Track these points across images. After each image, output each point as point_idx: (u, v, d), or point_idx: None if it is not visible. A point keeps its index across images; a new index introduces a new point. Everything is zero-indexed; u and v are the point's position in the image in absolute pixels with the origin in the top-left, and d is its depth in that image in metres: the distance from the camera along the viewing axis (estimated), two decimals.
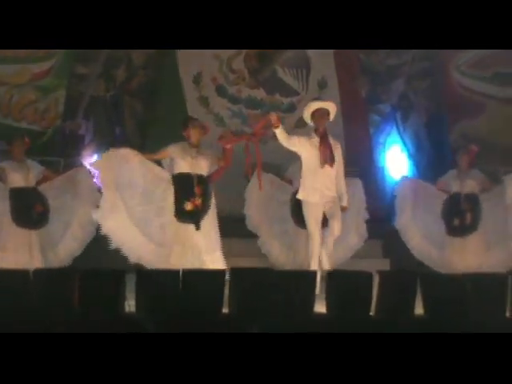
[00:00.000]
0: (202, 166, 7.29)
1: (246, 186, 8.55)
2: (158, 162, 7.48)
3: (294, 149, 7.60)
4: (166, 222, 7.23)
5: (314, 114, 7.65)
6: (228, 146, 7.37)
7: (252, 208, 8.60)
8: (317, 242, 7.52)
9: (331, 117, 7.70)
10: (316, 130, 7.64)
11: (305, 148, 7.58)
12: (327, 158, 7.53)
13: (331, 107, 7.70)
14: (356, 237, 8.50)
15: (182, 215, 7.19)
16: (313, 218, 7.59)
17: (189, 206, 7.16)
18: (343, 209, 7.75)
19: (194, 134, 7.35)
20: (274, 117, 7.37)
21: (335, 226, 7.53)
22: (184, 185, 7.22)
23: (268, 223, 8.68)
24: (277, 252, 8.59)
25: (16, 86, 10.34)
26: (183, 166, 7.26)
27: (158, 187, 7.27)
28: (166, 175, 7.32)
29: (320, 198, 7.55)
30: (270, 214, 8.69)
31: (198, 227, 7.18)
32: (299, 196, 7.69)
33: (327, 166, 7.54)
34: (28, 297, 5.35)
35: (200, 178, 7.26)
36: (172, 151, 7.33)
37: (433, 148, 11.54)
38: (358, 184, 8.48)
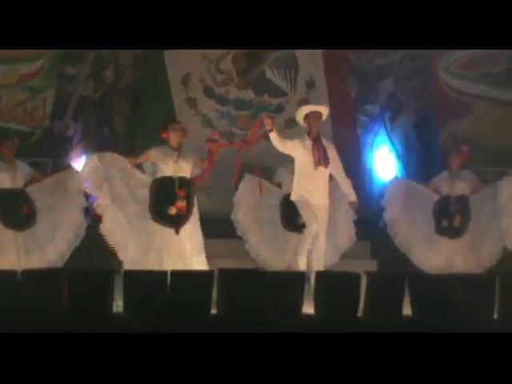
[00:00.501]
0: (184, 169, 7.26)
1: (232, 188, 8.53)
2: (140, 166, 7.45)
3: (287, 152, 7.60)
4: (149, 226, 7.19)
5: (306, 117, 7.66)
6: (214, 148, 7.32)
7: (241, 213, 8.60)
8: (313, 233, 7.46)
9: (323, 118, 7.74)
10: (309, 133, 7.65)
11: (298, 150, 7.58)
12: (321, 160, 7.54)
13: (324, 110, 7.73)
14: (345, 237, 8.52)
15: (164, 219, 7.15)
16: (310, 211, 7.55)
17: (173, 211, 7.12)
18: (352, 204, 7.83)
19: (174, 137, 7.31)
20: (268, 121, 7.36)
21: (320, 237, 7.53)
22: (166, 189, 7.18)
23: (258, 227, 8.68)
24: (266, 256, 8.59)
25: (5, 87, 10.32)
26: (165, 170, 7.22)
27: (142, 191, 7.24)
28: (148, 180, 7.28)
29: (312, 200, 7.56)
30: (260, 217, 8.69)
31: (177, 231, 7.14)
32: (292, 198, 7.69)
33: (320, 168, 7.56)
34: (16, 297, 5.34)
35: (183, 180, 7.21)
36: (154, 155, 7.30)
37: (422, 148, 11.49)
38: None
